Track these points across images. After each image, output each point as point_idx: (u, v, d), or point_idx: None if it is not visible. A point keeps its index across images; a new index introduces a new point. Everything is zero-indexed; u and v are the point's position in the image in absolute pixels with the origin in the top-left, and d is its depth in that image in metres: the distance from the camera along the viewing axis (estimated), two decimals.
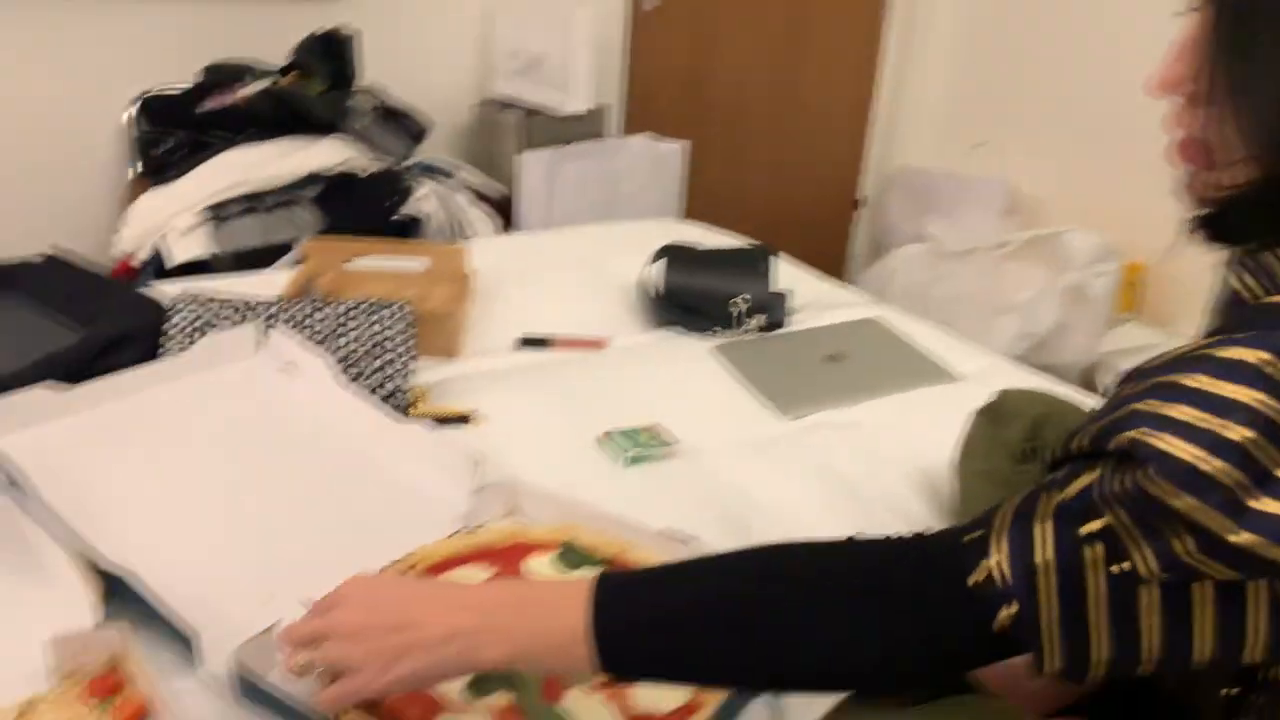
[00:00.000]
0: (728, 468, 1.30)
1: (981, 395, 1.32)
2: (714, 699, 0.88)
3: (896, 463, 1.33)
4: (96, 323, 1.32)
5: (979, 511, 1.18)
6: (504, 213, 2.87)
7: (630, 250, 1.96)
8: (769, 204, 3.51)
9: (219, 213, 2.42)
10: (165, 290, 1.50)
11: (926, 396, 1.51)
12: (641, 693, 0.90)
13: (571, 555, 1.07)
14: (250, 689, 0.89)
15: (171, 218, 2.42)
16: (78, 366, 1.24)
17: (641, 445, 1.30)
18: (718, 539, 1.12)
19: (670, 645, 0.70)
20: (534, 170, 2.77)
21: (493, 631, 0.72)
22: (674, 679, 0.74)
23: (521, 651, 0.72)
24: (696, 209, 2.84)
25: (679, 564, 0.75)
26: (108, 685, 0.87)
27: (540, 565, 1.06)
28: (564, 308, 1.76)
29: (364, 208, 2.43)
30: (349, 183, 2.47)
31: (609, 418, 1.38)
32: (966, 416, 1.27)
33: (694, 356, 1.61)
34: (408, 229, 2.50)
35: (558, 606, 0.72)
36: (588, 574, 1.04)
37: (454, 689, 0.89)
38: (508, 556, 1.07)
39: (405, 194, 2.48)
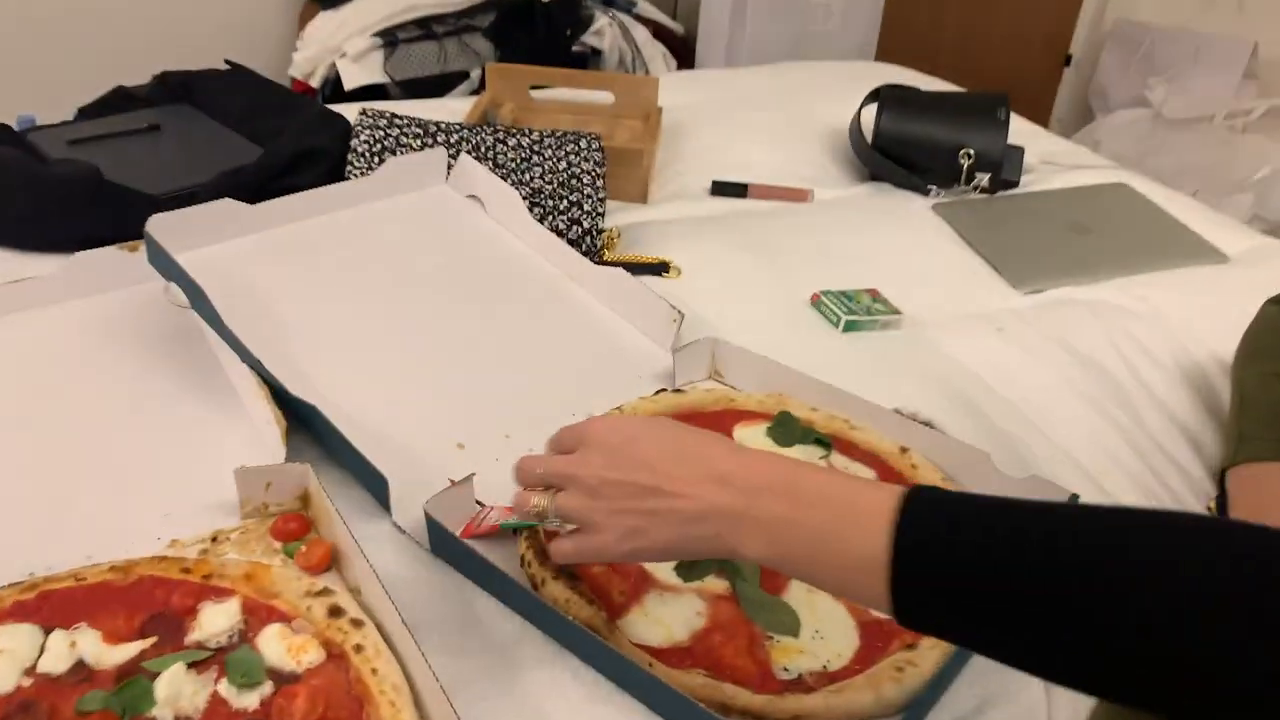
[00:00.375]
0: (955, 342, 1.14)
1: (1260, 280, 1.12)
2: None
3: (1154, 350, 1.14)
4: (279, 139, 1.24)
5: (1266, 417, 1.01)
6: (681, 55, 2.68)
7: (831, 93, 1.76)
8: (966, 55, 3.17)
9: (391, 38, 2.31)
10: (343, 112, 1.41)
11: (1190, 277, 1.30)
12: None
13: (786, 428, 0.94)
14: (443, 543, 0.81)
15: (344, 42, 2.33)
16: (259, 183, 1.16)
17: (860, 310, 1.15)
18: (950, 424, 0.98)
19: (1003, 614, 0.51)
20: (718, 1, 2.55)
21: (758, 523, 0.59)
22: (987, 653, 0.55)
23: (789, 556, 0.59)
24: (886, 57, 2.58)
25: (1027, 505, 0.54)
26: (293, 528, 0.81)
27: (751, 436, 0.94)
28: (759, 153, 1.59)
29: (541, 37, 2.28)
30: (526, 9, 2.32)
31: (817, 278, 1.23)
32: (1248, 304, 1.07)
33: (911, 215, 1.43)
34: (585, 62, 2.34)
35: (848, 513, 0.57)
36: (803, 452, 0.93)
37: (663, 566, 0.80)
38: (716, 423, 0.95)
39: (584, 23, 2.31)
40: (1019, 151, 1.50)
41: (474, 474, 0.83)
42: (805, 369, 1.00)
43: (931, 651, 0.72)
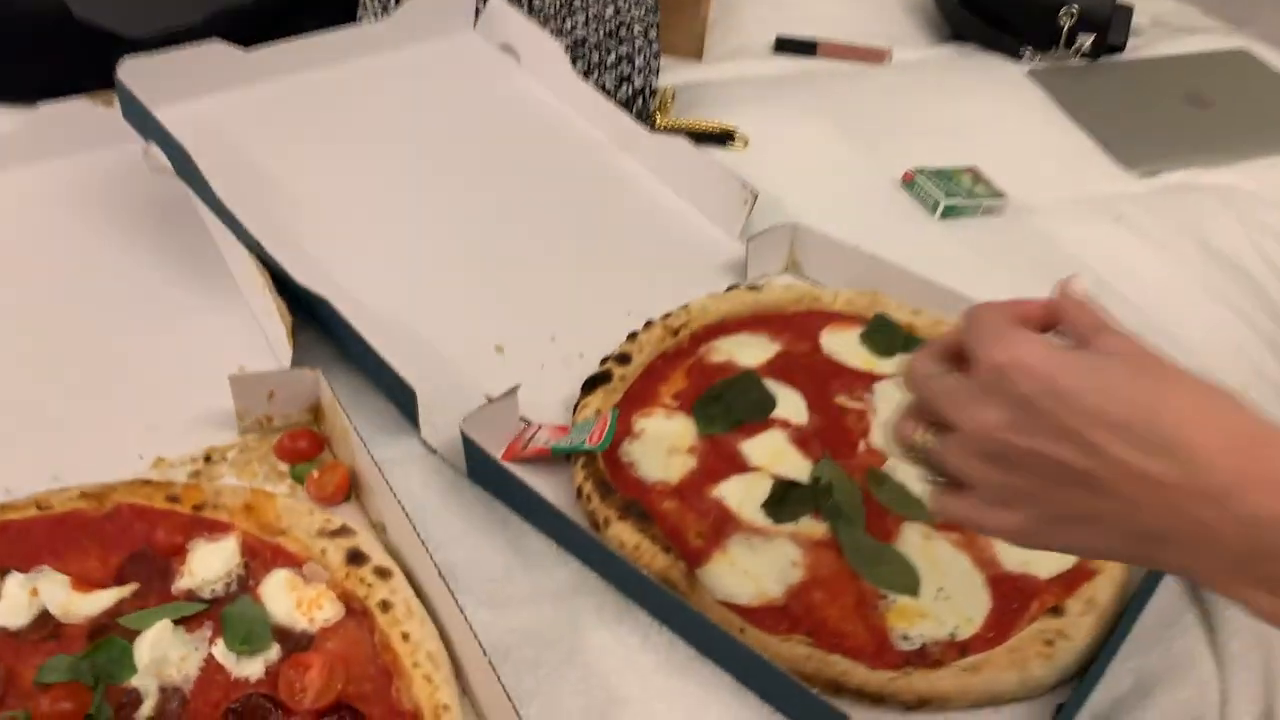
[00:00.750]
0: (1068, 232, 0.99)
1: None
2: (1115, 568, 0.62)
3: None
4: None
5: None
6: None
7: None
8: None
9: None
10: None
11: None
12: (1007, 546, 0.64)
13: (884, 335, 0.80)
14: (483, 468, 0.67)
15: None
16: (257, 25, 0.98)
17: (961, 193, 0.99)
18: None
19: None
20: None
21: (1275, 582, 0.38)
22: None
23: None
24: None
25: None
26: (302, 447, 0.67)
27: (842, 343, 0.80)
28: (825, 6, 1.39)
29: None
30: None
31: (901, 151, 1.06)
32: None
33: (1003, 82, 1.24)
34: None
35: None
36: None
37: (748, 503, 0.66)
38: (800, 327, 0.81)
39: None
40: (1127, 11, 1.30)
41: (518, 385, 0.69)
42: (898, 261, 0.85)
43: (1084, 619, 0.59)
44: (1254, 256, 0.97)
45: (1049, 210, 1.01)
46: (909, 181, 1.01)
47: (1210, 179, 1.08)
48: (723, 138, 1.05)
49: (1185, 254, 0.97)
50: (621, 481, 0.66)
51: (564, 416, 0.73)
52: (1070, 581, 0.62)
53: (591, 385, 0.73)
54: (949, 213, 0.97)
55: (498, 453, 0.67)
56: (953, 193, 0.98)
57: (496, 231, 0.86)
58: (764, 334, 0.80)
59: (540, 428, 0.70)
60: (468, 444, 0.66)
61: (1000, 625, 0.60)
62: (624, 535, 0.62)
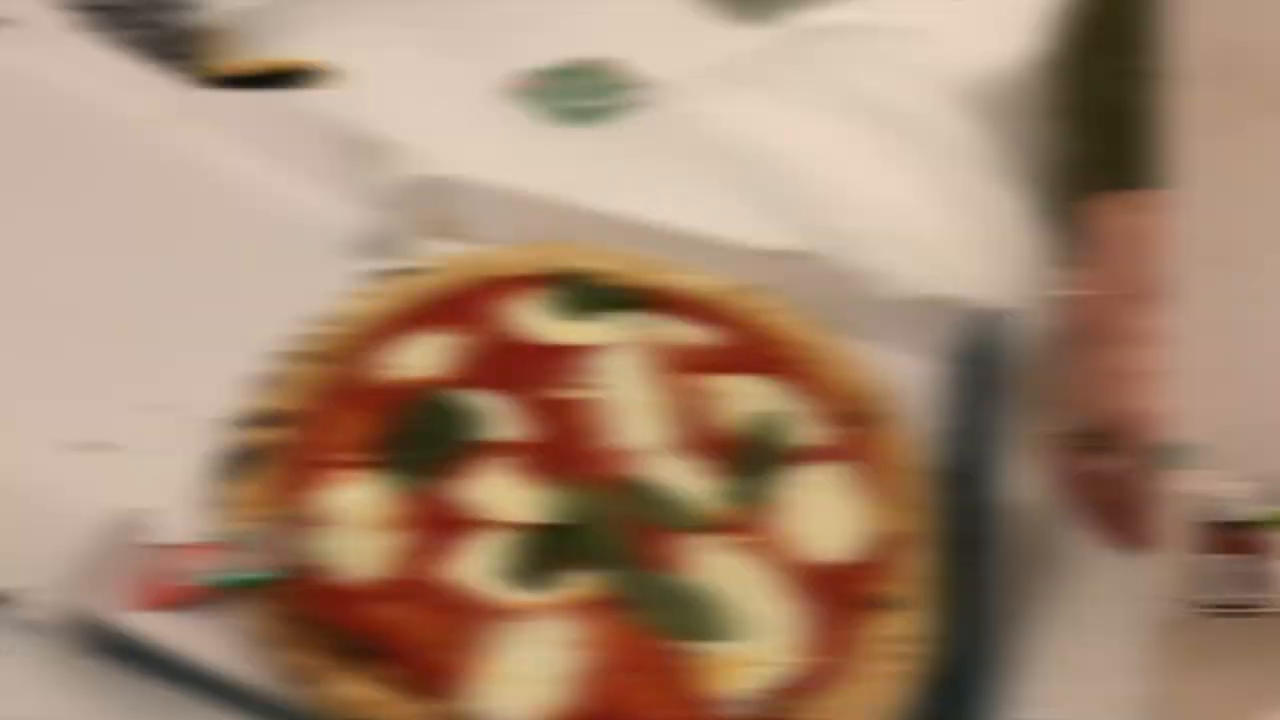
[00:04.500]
0: (703, 108, 0.88)
1: None
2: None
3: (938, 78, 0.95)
4: None
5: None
6: None
7: None
8: None
9: None
10: None
11: None
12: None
13: (576, 293, 0.66)
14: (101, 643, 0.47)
15: None
16: None
17: (589, 90, 0.85)
18: (739, 217, 0.75)
19: None
20: None
21: None
22: None
23: None
24: None
25: None
26: None
27: (529, 316, 0.66)
28: None
29: None
30: None
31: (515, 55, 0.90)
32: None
33: None
34: None
35: None
36: (608, 327, 0.66)
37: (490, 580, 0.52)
38: (478, 309, 0.65)
39: None
40: None
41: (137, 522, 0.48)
42: (550, 189, 0.72)
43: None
44: (898, 101, 0.93)
45: (676, 87, 0.90)
46: (525, 88, 0.84)
47: (841, 19, 1.01)
48: (297, 78, 0.83)
49: (828, 108, 0.89)
50: (324, 601, 0.49)
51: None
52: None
53: (241, 469, 0.54)
54: (578, 117, 0.83)
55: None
56: (580, 91, 0.84)
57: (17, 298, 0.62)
58: (440, 330, 0.64)
59: (183, 551, 0.50)
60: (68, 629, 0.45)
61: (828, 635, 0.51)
62: (349, 691, 0.45)
